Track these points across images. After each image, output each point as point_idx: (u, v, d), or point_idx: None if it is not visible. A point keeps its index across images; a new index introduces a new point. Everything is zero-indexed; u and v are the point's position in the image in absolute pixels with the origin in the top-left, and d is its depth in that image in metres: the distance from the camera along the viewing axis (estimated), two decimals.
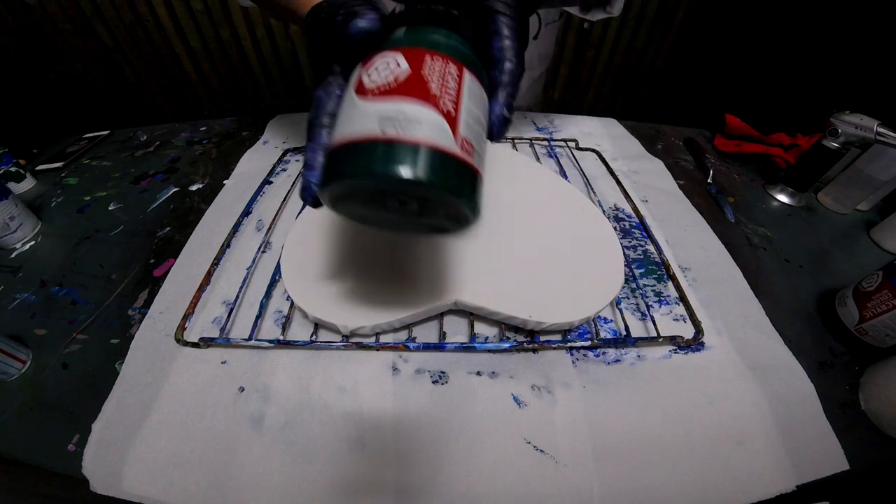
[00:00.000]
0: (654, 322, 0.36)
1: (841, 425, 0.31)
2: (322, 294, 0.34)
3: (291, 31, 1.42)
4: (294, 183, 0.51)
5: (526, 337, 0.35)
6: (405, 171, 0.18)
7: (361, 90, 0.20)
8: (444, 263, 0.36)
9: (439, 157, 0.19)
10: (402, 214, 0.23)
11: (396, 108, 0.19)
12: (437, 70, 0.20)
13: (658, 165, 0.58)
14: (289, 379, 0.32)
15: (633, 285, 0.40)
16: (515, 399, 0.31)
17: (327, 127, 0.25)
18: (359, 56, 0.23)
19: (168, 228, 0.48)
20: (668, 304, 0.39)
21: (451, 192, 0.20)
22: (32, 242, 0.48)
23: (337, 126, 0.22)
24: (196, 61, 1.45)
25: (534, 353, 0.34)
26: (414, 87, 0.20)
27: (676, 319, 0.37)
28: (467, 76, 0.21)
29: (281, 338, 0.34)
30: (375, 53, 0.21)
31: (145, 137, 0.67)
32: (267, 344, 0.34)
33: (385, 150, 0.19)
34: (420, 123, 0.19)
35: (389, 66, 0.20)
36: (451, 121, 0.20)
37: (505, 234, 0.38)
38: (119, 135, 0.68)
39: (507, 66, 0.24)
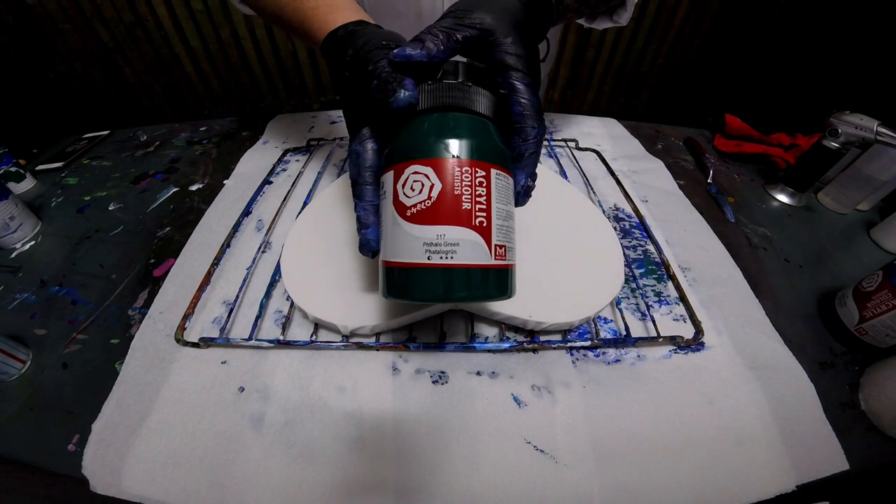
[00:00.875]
0: (654, 322, 0.36)
1: (841, 425, 0.31)
2: (322, 294, 0.34)
3: None
4: (294, 183, 0.51)
5: (526, 337, 0.35)
6: (448, 293, 0.22)
7: (400, 206, 0.22)
8: None
9: (476, 273, 0.22)
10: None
11: (436, 232, 0.22)
12: (466, 181, 0.22)
13: (658, 165, 0.58)
14: (289, 379, 0.32)
15: (633, 285, 0.40)
16: (515, 399, 0.31)
17: (371, 184, 0.26)
18: (394, 122, 0.24)
19: (168, 228, 0.48)
20: (668, 304, 0.39)
21: (487, 298, 0.23)
22: (32, 242, 0.48)
23: (385, 241, 0.24)
24: (196, 61, 1.45)
25: (534, 353, 0.34)
26: (448, 209, 0.22)
27: (676, 319, 0.37)
28: (493, 175, 0.23)
29: (281, 338, 0.34)
30: (406, 165, 0.22)
31: (145, 137, 0.67)
32: (267, 344, 0.34)
33: (431, 275, 0.22)
34: (459, 246, 0.22)
35: (423, 183, 0.22)
36: (486, 233, 0.22)
37: None
38: (119, 135, 0.68)
39: (530, 133, 0.24)
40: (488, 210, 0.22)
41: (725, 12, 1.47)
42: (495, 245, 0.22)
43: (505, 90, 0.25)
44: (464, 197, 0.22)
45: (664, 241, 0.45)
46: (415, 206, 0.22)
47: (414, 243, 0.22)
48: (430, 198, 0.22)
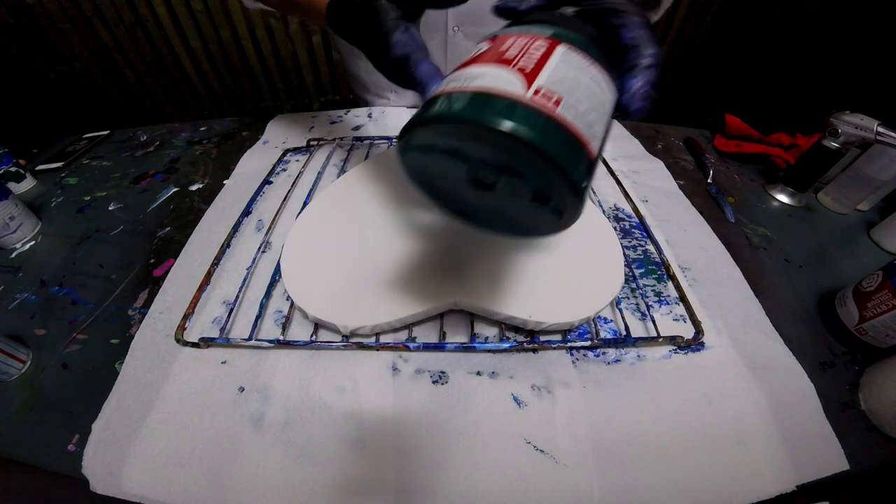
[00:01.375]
0: (654, 322, 0.36)
1: (841, 425, 0.31)
2: (322, 294, 0.34)
3: (291, 32, 1.42)
4: (294, 183, 0.51)
5: (526, 337, 0.35)
6: (460, 113, 0.18)
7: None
8: (445, 263, 0.36)
9: (499, 101, 0.17)
10: (484, 194, 0.22)
11: (462, 72, 0.20)
12: (518, 43, 0.20)
13: (658, 165, 0.58)
14: (289, 379, 0.32)
15: (633, 285, 0.40)
16: (515, 399, 0.31)
17: (425, 60, 0.26)
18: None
19: (168, 228, 0.48)
20: (668, 304, 0.39)
21: (517, 140, 0.17)
22: (32, 242, 0.48)
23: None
24: (196, 61, 1.45)
25: (534, 353, 0.34)
26: (484, 56, 0.20)
27: (676, 319, 0.37)
28: (561, 49, 0.20)
29: (281, 338, 0.34)
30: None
31: (145, 137, 0.67)
32: (267, 344, 0.34)
33: (444, 100, 0.19)
34: (480, 78, 0.18)
35: (472, 52, 0.21)
36: (525, 73, 0.18)
37: None
38: (119, 135, 0.68)
39: (649, 49, 0.22)
40: (540, 62, 0.19)
41: (725, 12, 1.47)
42: (538, 87, 0.18)
43: (616, 23, 0.22)
44: (509, 50, 0.19)
45: (664, 241, 0.45)
46: (457, 65, 0.21)
47: (439, 86, 0.21)
48: (471, 56, 0.21)
